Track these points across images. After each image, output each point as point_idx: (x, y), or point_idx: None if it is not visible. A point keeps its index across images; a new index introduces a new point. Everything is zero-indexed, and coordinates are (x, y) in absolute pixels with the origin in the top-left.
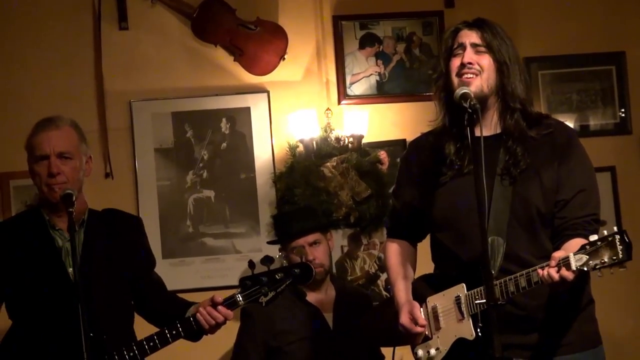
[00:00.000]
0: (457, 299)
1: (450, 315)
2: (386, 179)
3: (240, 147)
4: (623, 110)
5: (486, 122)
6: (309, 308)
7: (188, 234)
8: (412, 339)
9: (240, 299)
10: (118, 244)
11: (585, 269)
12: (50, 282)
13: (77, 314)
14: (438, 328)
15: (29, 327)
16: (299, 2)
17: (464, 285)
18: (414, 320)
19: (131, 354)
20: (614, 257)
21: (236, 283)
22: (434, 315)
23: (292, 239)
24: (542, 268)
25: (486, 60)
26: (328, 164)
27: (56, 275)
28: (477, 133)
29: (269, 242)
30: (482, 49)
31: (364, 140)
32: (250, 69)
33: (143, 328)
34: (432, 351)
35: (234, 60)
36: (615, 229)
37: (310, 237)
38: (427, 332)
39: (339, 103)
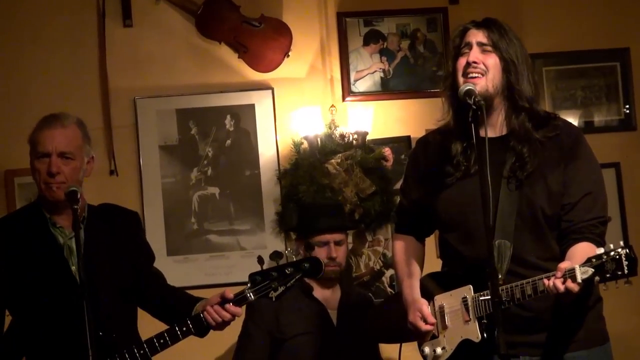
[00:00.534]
0: (464, 300)
1: (457, 316)
2: (391, 176)
3: (244, 144)
4: (627, 106)
5: (492, 123)
6: (314, 303)
7: (193, 231)
8: (420, 337)
9: (251, 294)
10: (119, 239)
11: (591, 282)
12: (53, 281)
13: (82, 312)
14: (445, 327)
15: (33, 327)
16: None
17: (471, 287)
18: (423, 319)
19: (141, 351)
20: (619, 272)
21: (240, 280)
22: (440, 314)
23: (319, 233)
24: (548, 278)
25: (492, 60)
26: (332, 160)
27: (59, 273)
28: (483, 134)
29: (288, 230)
30: (489, 48)
31: (368, 137)
32: (255, 66)
33: (146, 326)
34: (439, 350)
35: (238, 57)
36: (621, 243)
37: (337, 236)
38: (434, 331)
39: (343, 100)
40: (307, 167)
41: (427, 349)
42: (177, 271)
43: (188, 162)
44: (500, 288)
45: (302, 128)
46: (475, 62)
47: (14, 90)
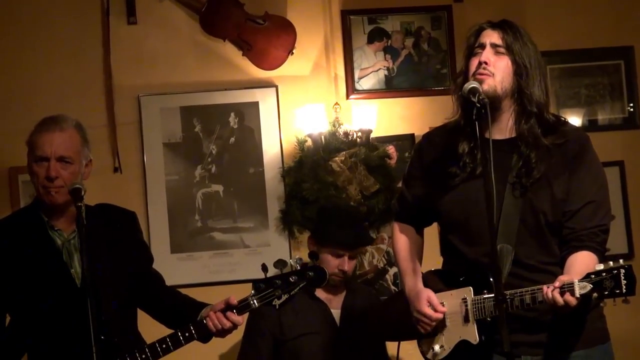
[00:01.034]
0: (464, 301)
1: (456, 316)
2: (394, 174)
3: (248, 141)
4: (631, 104)
5: (501, 126)
6: (317, 303)
7: (196, 228)
8: (424, 328)
9: (254, 302)
10: (117, 240)
11: (589, 298)
12: (52, 284)
13: (83, 316)
14: (444, 326)
15: (33, 329)
16: None
17: (472, 289)
18: (433, 308)
19: (143, 356)
20: (617, 291)
21: (244, 277)
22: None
23: (338, 246)
24: (548, 286)
25: (504, 62)
26: (336, 158)
27: (58, 276)
28: (490, 135)
29: (311, 236)
30: (502, 50)
31: (372, 135)
32: (259, 63)
33: (147, 329)
34: (437, 347)
35: (243, 54)
36: (621, 261)
37: (354, 251)
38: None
39: (347, 98)
40: (311, 164)
41: (425, 346)
42: (180, 269)
43: (192, 159)
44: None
45: (306, 126)
46: (486, 63)
47: (18, 87)
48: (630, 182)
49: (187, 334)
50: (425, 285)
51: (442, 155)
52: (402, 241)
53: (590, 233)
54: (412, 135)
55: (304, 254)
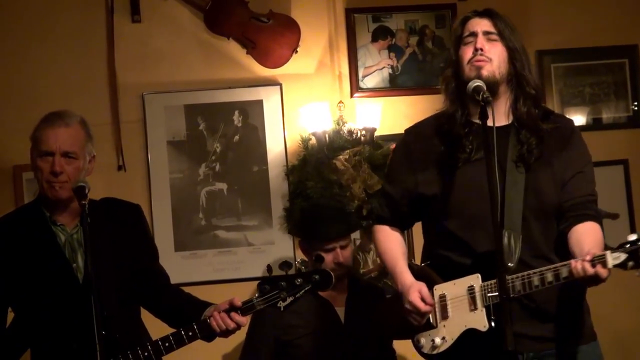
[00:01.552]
0: (471, 288)
1: (461, 305)
2: None
3: (252, 139)
4: (636, 103)
5: (497, 111)
6: (320, 302)
7: (200, 226)
8: (417, 320)
9: (259, 303)
10: (121, 235)
11: (623, 267)
12: (55, 279)
13: (85, 311)
14: (445, 317)
15: (36, 324)
16: None
17: (479, 275)
18: (423, 299)
19: (146, 353)
20: None
21: (248, 275)
22: (441, 304)
23: (325, 242)
24: (576, 261)
25: (498, 48)
26: (340, 156)
27: (61, 272)
28: (489, 122)
29: (301, 241)
30: (494, 36)
31: (376, 133)
32: (263, 61)
33: (153, 326)
34: (437, 340)
35: (247, 53)
36: None
37: (342, 241)
38: (431, 320)
39: (351, 96)
40: (315, 163)
41: (423, 340)
42: (184, 267)
43: (196, 157)
44: (515, 276)
45: (310, 124)
46: (482, 49)
47: (22, 85)
48: (635, 181)
49: (190, 333)
50: (422, 279)
51: (434, 143)
52: (386, 239)
53: (585, 201)
54: None
55: None
